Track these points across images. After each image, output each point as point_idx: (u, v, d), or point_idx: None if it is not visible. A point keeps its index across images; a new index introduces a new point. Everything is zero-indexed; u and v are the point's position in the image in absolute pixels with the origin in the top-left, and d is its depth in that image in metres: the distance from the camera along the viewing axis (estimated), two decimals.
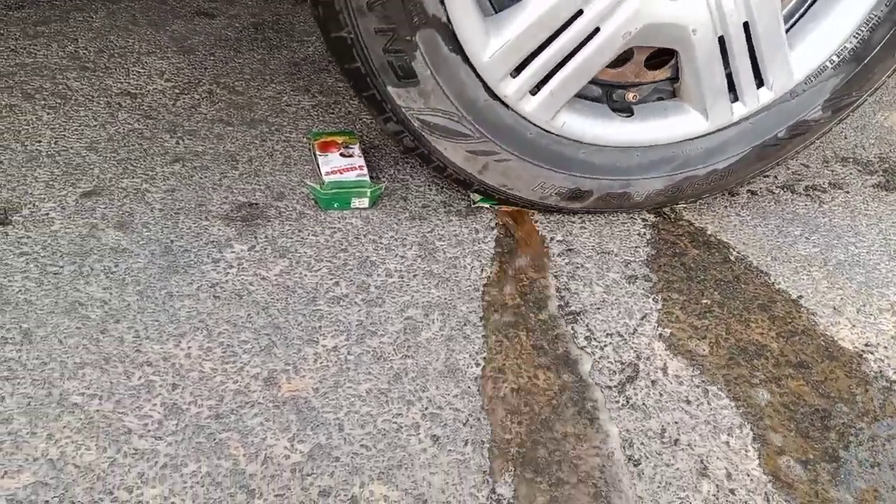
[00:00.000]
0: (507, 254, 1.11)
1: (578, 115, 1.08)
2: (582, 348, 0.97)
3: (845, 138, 1.53)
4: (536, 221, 1.18)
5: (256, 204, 1.12)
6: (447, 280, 1.04)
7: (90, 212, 1.06)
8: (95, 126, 1.24)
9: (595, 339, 0.99)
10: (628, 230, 1.19)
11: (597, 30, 0.98)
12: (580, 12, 0.96)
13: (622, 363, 0.96)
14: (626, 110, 1.12)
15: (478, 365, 0.92)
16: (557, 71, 1.01)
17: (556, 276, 1.08)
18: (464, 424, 0.85)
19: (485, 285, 1.05)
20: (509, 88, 1.01)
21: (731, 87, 1.09)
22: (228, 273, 1.00)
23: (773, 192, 1.34)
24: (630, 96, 1.12)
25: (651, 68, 1.11)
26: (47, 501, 0.72)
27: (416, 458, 0.81)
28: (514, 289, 1.05)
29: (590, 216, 1.21)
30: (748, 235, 1.22)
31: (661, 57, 1.10)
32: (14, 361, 0.84)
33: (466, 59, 0.98)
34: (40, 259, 0.97)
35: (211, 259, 1.02)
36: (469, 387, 0.89)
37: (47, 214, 1.05)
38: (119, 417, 0.80)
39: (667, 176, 1.15)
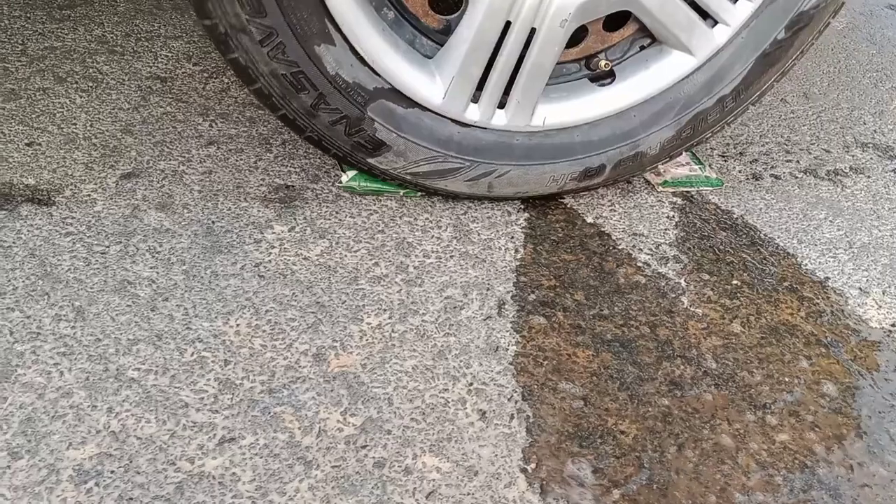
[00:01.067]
0: (540, 236, 1.13)
1: (557, 103, 1.09)
2: (619, 327, 1.00)
3: (864, 124, 1.55)
4: (567, 205, 1.20)
5: (293, 186, 1.14)
6: (483, 261, 1.07)
7: (131, 193, 1.08)
8: (128, 109, 1.26)
9: (631, 318, 1.01)
10: (657, 213, 1.22)
11: (533, 30, 0.99)
12: (508, 24, 0.98)
13: (658, 341, 0.99)
14: (607, 76, 1.11)
15: (518, 343, 0.95)
16: (514, 80, 1.03)
17: (588, 258, 1.11)
18: (508, 400, 0.88)
19: (519, 266, 1.07)
20: (476, 114, 1.05)
21: (704, 13, 1.06)
22: (271, 253, 1.02)
23: (797, 177, 1.36)
24: (603, 64, 1.10)
25: (613, 29, 1.09)
26: (112, 471, 0.74)
27: (465, 431, 0.83)
28: (548, 269, 1.07)
29: (618, 199, 1.23)
30: (774, 218, 1.25)
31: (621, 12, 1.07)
32: (69, 338, 0.87)
33: (424, 108, 1.03)
34: (86, 239, 0.99)
35: (253, 239, 1.04)
36: (511, 364, 0.92)
37: (89, 195, 1.07)
38: (175, 392, 0.83)
39: (674, 122, 1.14)
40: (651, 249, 1.14)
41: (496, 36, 0.98)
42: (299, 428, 0.81)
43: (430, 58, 1.03)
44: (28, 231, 0.99)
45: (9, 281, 0.92)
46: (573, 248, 1.12)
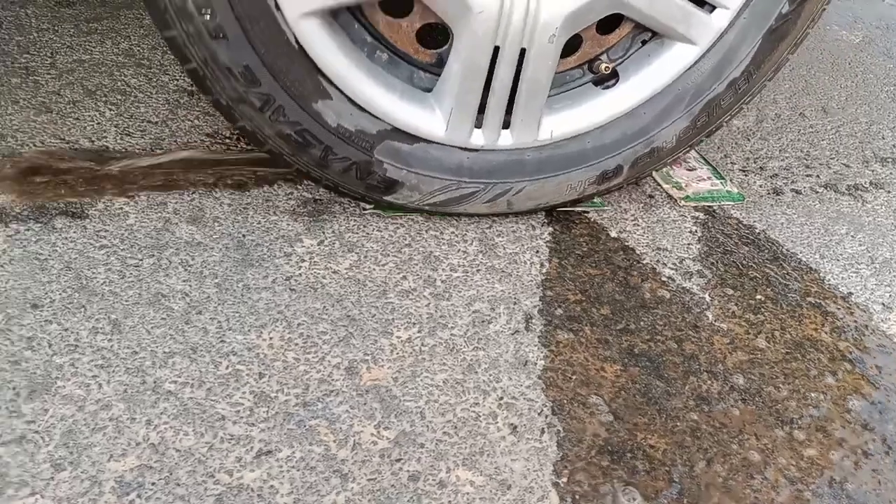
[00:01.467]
0: (565, 250, 1.15)
1: (563, 113, 1.10)
2: (646, 342, 1.01)
3: (883, 138, 1.56)
4: (591, 219, 1.22)
5: (321, 200, 1.16)
6: (509, 275, 1.08)
7: (162, 206, 1.10)
8: (157, 122, 1.28)
9: (657, 333, 1.03)
10: (680, 227, 1.23)
11: (523, 50, 1.00)
12: (497, 49, 0.99)
13: (684, 356, 1.00)
14: (611, 77, 1.11)
15: (546, 358, 0.96)
16: (514, 100, 1.05)
17: (613, 272, 1.12)
18: (538, 414, 0.89)
19: (545, 280, 1.08)
20: (481, 139, 1.07)
21: (700, 1, 1.05)
22: (301, 267, 1.04)
23: (817, 192, 1.37)
24: (604, 67, 1.10)
25: (609, 31, 1.09)
26: (153, 483, 0.76)
27: (497, 445, 0.85)
28: (574, 284, 1.09)
29: (641, 213, 1.25)
30: (795, 233, 1.26)
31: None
32: (107, 350, 0.88)
33: (429, 141, 1.06)
34: (120, 252, 1.01)
35: (283, 253, 1.05)
36: (539, 378, 0.93)
37: (121, 209, 1.08)
38: (212, 404, 0.84)
39: (686, 112, 1.13)
40: (675, 264, 1.15)
41: (486, 62, 1.00)
42: (334, 441, 0.82)
43: (430, 90, 1.05)
44: (63, 244, 1.01)
45: (46, 294, 0.94)
46: (598, 262, 1.13)
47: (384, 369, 0.91)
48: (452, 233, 1.14)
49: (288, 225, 1.10)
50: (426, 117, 1.04)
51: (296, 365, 0.90)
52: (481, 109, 1.05)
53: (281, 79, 0.96)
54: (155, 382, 0.85)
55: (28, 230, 1.02)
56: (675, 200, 1.29)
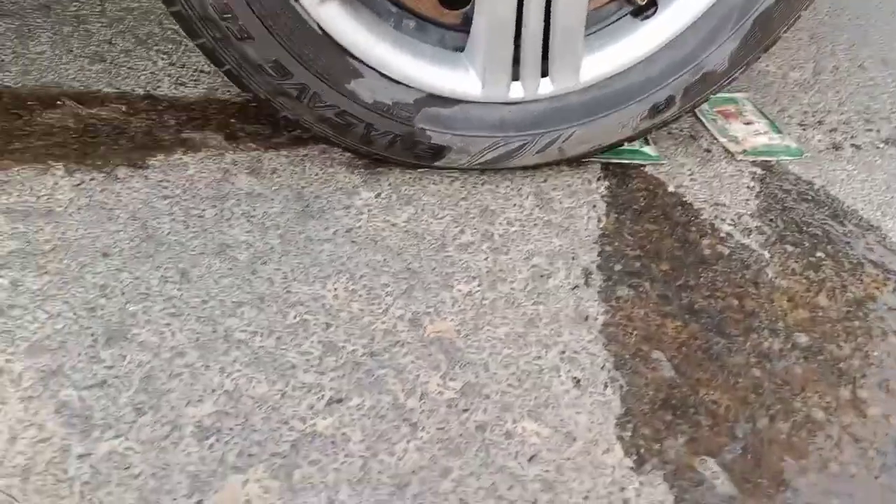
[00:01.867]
0: (622, 205, 1.14)
1: (603, 51, 1.06)
2: (706, 298, 1.01)
3: None
4: (647, 172, 1.21)
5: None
6: (566, 230, 1.08)
7: (220, 157, 1.10)
8: (209, 72, 1.28)
9: (717, 289, 1.02)
10: (737, 183, 1.22)
11: None
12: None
13: (745, 313, 1.00)
14: (650, 6, 1.06)
15: (606, 313, 0.97)
16: (549, 47, 1.02)
17: (671, 228, 1.11)
18: (601, 368, 0.90)
19: (603, 235, 1.08)
20: (520, 92, 1.05)
21: None
22: (360, 219, 1.04)
23: (878, 147, 1.34)
24: None
25: None
26: (231, 429, 0.78)
27: (561, 398, 0.86)
28: (632, 239, 1.08)
29: (698, 168, 1.23)
30: (856, 190, 1.24)
31: None
32: (177, 299, 0.90)
33: (468, 101, 1.05)
34: (182, 202, 1.03)
35: (342, 205, 1.06)
36: (600, 333, 0.94)
37: (180, 158, 1.09)
38: (282, 353, 0.86)
39: (735, 32, 1.07)
40: (733, 220, 1.14)
41: (513, 13, 0.98)
42: (402, 391, 0.84)
43: (462, 50, 1.04)
44: (127, 194, 1.02)
45: (115, 242, 0.96)
46: (656, 217, 1.13)
47: (447, 322, 0.93)
48: (508, 187, 1.14)
49: (345, 177, 1.11)
50: (460, 78, 1.03)
51: (361, 316, 0.92)
52: (516, 61, 1.03)
53: (311, 67, 0.98)
54: (225, 331, 0.87)
55: (92, 179, 1.03)
56: (733, 155, 1.27)
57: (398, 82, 1.01)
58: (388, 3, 1.02)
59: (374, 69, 1.00)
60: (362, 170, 1.12)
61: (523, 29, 1.00)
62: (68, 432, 0.76)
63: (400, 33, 1.02)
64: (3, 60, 1.23)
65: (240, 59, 0.97)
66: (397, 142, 1.06)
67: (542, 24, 1.00)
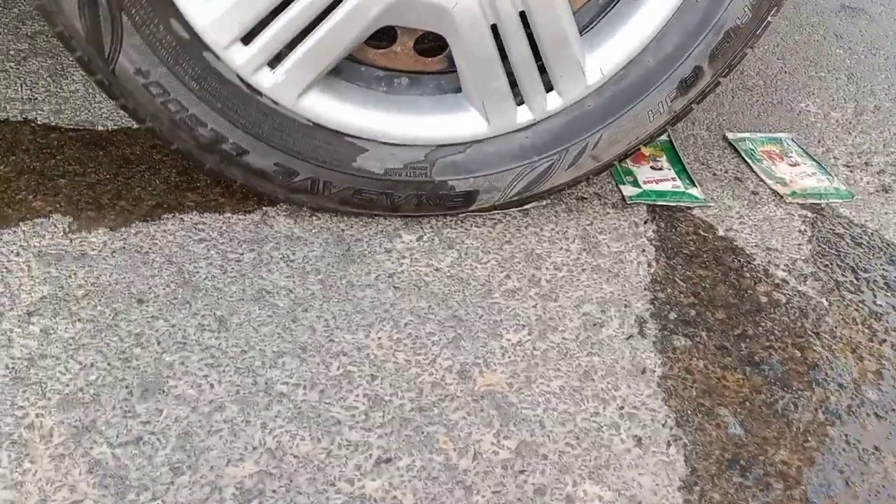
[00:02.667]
0: (671, 249, 1.09)
1: (606, 44, 0.99)
2: (766, 349, 0.96)
3: None
4: (695, 215, 1.16)
5: None
6: (616, 275, 1.03)
7: (258, 198, 1.07)
8: None
9: (777, 339, 0.97)
10: (788, 226, 1.17)
11: (523, 13, 0.93)
12: (495, 26, 0.93)
13: (808, 364, 0.94)
14: None
15: (664, 365, 0.92)
16: (544, 62, 0.98)
17: (724, 273, 1.06)
18: (662, 426, 0.84)
19: (654, 281, 1.03)
20: (529, 114, 1.01)
21: None
22: (402, 263, 1.00)
23: None
24: None
25: None
26: (274, 491, 0.73)
27: (622, 458, 0.80)
28: (685, 285, 1.04)
29: (746, 211, 1.19)
30: None
31: None
32: (215, 349, 0.86)
33: (478, 141, 1.01)
34: (219, 246, 0.99)
35: (383, 249, 1.02)
36: (659, 387, 0.89)
37: (216, 200, 1.06)
38: (326, 408, 0.81)
39: None
40: (787, 265, 1.09)
41: (491, 44, 0.94)
42: (454, 449, 0.79)
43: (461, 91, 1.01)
44: (162, 237, 0.99)
45: (150, 288, 0.91)
46: (707, 262, 1.08)
47: (497, 374, 0.88)
48: (553, 229, 1.10)
49: (385, 220, 1.07)
50: (463, 121, 1.00)
51: (407, 367, 0.87)
52: (515, 85, 0.98)
53: (313, 158, 0.97)
54: (266, 383, 0.83)
55: (126, 222, 1.00)
56: (781, 197, 1.22)
57: (403, 144, 0.99)
58: (373, 69, 0.99)
59: (374, 140, 0.98)
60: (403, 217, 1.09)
61: (509, 55, 0.96)
62: (101, 494, 0.71)
63: (393, 95, 1.00)
64: (36, 98, 1.21)
65: (246, 172, 0.97)
66: (423, 200, 1.03)
67: (526, 44, 0.95)
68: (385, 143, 0.98)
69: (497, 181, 1.04)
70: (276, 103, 0.93)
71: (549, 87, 1.00)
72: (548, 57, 0.97)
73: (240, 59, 0.89)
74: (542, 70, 0.98)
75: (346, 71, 0.98)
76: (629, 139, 1.05)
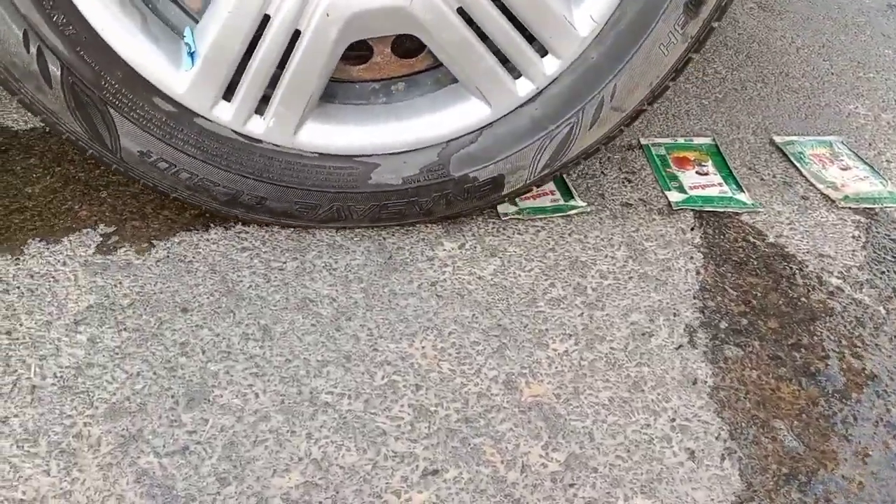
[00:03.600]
0: (720, 256, 1.07)
1: None
2: (822, 359, 0.93)
3: None
4: (744, 221, 1.13)
5: None
6: (664, 283, 1.01)
7: None
8: None
9: (832, 349, 0.94)
10: (841, 232, 1.13)
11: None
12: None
13: (866, 376, 0.91)
14: None
15: (716, 375, 0.89)
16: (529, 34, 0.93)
17: (775, 282, 1.03)
18: (716, 438, 0.82)
19: (703, 289, 1.01)
20: (529, 85, 0.96)
21: None
22: (445, 272, 0.99)
23: None
24: None
25: None
26: (320, 502, 0.72)
27: (675, 472, 0.78)
28: (735, 293, 1.01)
29: (797, 216, 1.15)
30: None
31: None
32: (260, 358, 0.85)
33: (488, 125, 0.98)
34: (262, 254, 0.99)
35: (425, 257, 1.01)
36: (711, 398, 0.86)
37: None
38: (371, 418, 0.80)
39: None
40: (841, 273, 1.06)
41: (464, 29, 0.90)
42: (502, 462, 0.77)
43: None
44: (206, 245, 0.99)
45: (194, 297, 0.92)
46: (758, 270, 1.05)
47: (544, 384, 0.86)
48: (597, 236, 1.08)
49: (427, 227, 1.06)
50: (465, 110, 0.97)
51: (452, 377, 0.85)
52: (506, 60, 0.94)
53: (330, 187, 0.98)
54: (311, 393, 0.82)
55: (170, 231, 1.00)
56: (833, 202, 1.19)
57: (414, 149, 0.97)
58: (367, 83, 0.98)
59: (383, 153, 0.97)
60: (443, 219, 1.08)
61: (487, 33, 0.91)
62: None
63: (392, 103, 0.99)
64: None
65: (272, 214, 1.00)
66: (451, 198, 1.01)
67: (500, 18, 0.90)
68: (395, 154, 0.97)
69: (519, 160, 1.00)
70: (276, 146, 0.94)
71: (544, 52, 0.95)
72: (529, 22, 0.92)
73: (227, 115, 0.91)
74: (532, 39, 0.93)
75: (341, 93, 0.98)
76: (649, 80, 0.96)
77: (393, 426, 0.80)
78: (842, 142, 1.34)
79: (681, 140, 1.28)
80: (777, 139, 1.32)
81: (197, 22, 0.90)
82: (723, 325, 0.96)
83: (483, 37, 0.92)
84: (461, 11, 0.89)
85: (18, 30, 0.84)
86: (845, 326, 0.98)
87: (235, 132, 0.92)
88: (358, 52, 0.95)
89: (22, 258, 0.94)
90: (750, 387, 0.88)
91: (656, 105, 1.37)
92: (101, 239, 0.98)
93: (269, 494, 0.72)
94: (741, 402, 0.86)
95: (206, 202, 0.97)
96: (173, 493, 0.72)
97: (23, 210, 1.01)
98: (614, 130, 1.00)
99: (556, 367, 0.88)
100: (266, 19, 0.86)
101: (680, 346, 0.92)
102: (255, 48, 0.87)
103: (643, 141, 1.27)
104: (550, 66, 0.95)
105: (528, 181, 1.02)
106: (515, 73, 0.95)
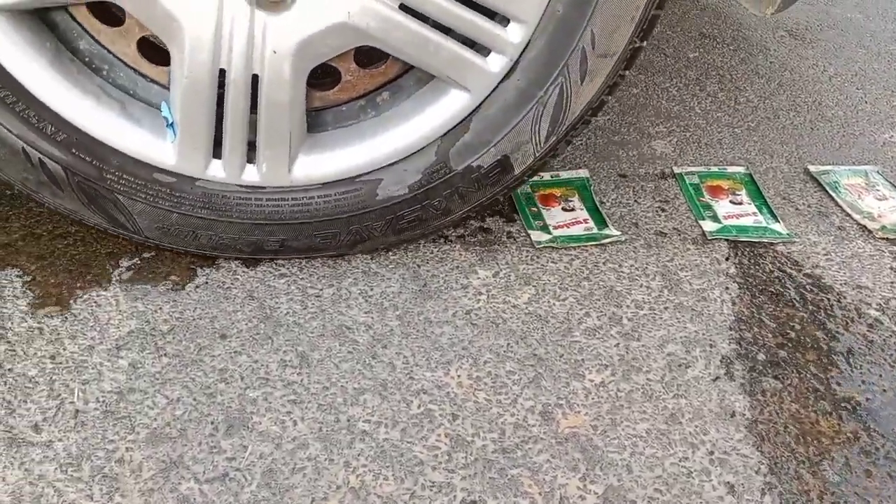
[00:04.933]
0: (756, 286, 1.06)
1: None
2: (861, 393, 0.92)
3: None
4: (779, 251, 1.13)
5: (489, 229, 1.12)
6: (700, 314, 1.01)
7: None
8: None
9: (873, 383, 0.93)
10: (878, 263, 1.13)
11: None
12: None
13: None
14: None
15: (754, 408, 0.89)
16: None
17: (813, 314, 1.03)
18: (755, 473, 0.81)
19: (739, 320, 1.01)
20: (501, 62, 0.91)
21: None
22: (479, 299, 1.00)
23: None
24: None
25: None
26: None
27: None
28: (772, 325, 1.00)
29: (833, 247, 1.15)
30: None
31: None
32: (297, 385, 0.86)
33: (476, 110, 0.96)
34: (299, 281, 1.00)
35: (460, 285, 1.02)
36: (749, 432, 0.86)
37: None
38: (408, 447, 0.81)
39: None
40: (880, 305, 1.05)
41: (412, 23, 0.87)
42: (539, 493, 0.77)
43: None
44: (243, 272, 1.01)
45: (232, 323, 0.93)
46: (794, 301, 1.05)
47: (581, 416, 0.86)
48: (632, 266, 1.08)
49: (460, 255, 1.07)
50: (447, 103, 0.94)
51: (488, 407, 0.86)
52: (472, 44, 0.91)
53: (342, 212, 0.99)
54: (349, 421, 0.83)
55: (208, 258, 1.02)
56: (871, 232, 1.18)
57: (410, 155, 0.96)
58: (354, 102, 0.98)
59: (382, 167, 0.97)
60: (477, 247, 1.09)
61: (435, 21, 0.88)
62: None
63: (380, 115, 0.97)
64: None
65: (300, 252, 1.02)
66: (463, 192, 0.99)
67: (445, 1, 0.86)
68: (394, 164, 0.97)
69: (518, 136, 0.96)
70: (279, 188, 0.95)
71: (506, 21, 0.90)
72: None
73: (221, 172, 0.93)
74: (491, 13, 0.89)
75: (332, 119, 0.98)
76: (630, 15, 0.89)
77: (430, 455, 0.80)
78: (878, 171, 1.33)
79: (714, 169, 1.28)
80: (812, 168, 1.32)
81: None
82: (760, 356, 0.95)
83: (438, 26, 0.89)
84: (405, 7, 0.86)
85: (18, 147, 0.89)
86: (886, 360, 0.97)
87: (236, 185, 0.94)
88: (327, 76, 0.95)
89: (66, 283, 0.96)
90: (789, 420, 0.88)
91: (688, 134, 1.38)
92: (141, 264, 1.00)
93: None
94: (780, 436, 0.86)
95: (237, 253, 1.00)
96: None
97: (66, 235, 1.03)
98: (613, 77, 0.94)
99: (593, 398, 0.88)
100: (223, 73, 0.87)
101: (717, 377, 0.92)
102: (223, 103, 0.89)
103: (676, 170, 1.27)
104: (515, 33, 0.89)
105: (537, 154, 0.98)
106: (485, 51, 0.92)
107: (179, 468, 0.77)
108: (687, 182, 1.24)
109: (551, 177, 1.22)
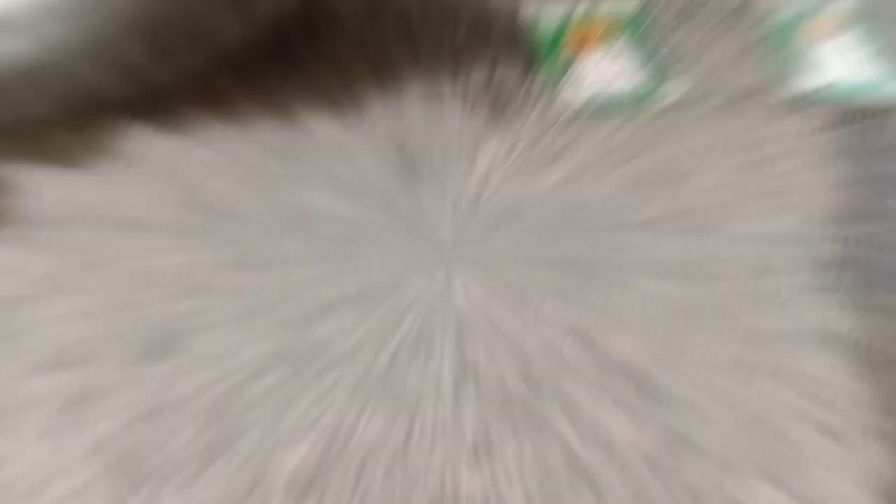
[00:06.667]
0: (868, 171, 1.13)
1: None
2: None
3: None
4: None
5: (501, 84, 1.16)
6: (793, 204, 1.08)
7: None
8: None
9: None
10: None
11: None
12: None
13: None
14: None
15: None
16: None
17: None
18: (859, 408, 0.91)
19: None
20: None
21: None
22: (489, 183, 1.06)
23: None
24: None
25: None
26: None
27: (805, 451, 0.87)
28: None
29: None
30: None
31: None
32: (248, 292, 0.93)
33: None
34: None
35: (462, 162, 1.07)
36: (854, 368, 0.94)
37: None
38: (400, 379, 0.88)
39: None
40: None
41: None
42: (579, 437, 0.86)
43: None
44: None
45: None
46: None
47: (632, 339, 0.94)
48: (702, 138, 1.13)
49: (461, 121, 1.12)
50: None
51: (506, 325, 0.93)
52: None
53: None
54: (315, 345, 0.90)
55: None
56: None
57: None
58: None
59: None
60: (484, 110, 1.13)
61: None
62: None
63: None
64: None
65: None
66: None
67: None
68: None
69: None
70: None
71: None
72: None
73: None
74: None
75: None
76: None
77: (430, 389, 0.88)
78: None
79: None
80: None
81: None
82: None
83: None
84: None
85: None
86: None
87: None
88: None
89: None
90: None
91: None
92: None
93: None
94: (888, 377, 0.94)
95: None
96: None
97: None
98: None
99: (650, 315, 0.95)
100: None
101: (811, 294, 1.00)
102: None
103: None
104: None
105: None
106: None
107: None
108: (779, 21, 1.27)
109: (588, 9, 1.24)
